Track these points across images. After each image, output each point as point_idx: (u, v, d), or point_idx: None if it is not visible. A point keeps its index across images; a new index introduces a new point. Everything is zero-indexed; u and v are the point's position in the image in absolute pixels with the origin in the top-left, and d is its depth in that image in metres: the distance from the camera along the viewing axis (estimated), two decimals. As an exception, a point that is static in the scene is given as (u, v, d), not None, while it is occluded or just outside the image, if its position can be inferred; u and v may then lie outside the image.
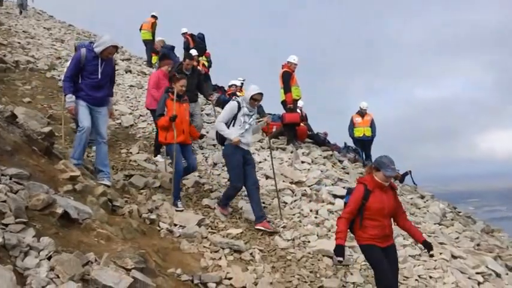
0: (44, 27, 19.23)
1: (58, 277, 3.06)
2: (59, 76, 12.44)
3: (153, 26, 16.82)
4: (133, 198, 6.44)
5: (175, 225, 5.99)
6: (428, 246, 4.99)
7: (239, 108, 6.51)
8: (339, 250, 4.74)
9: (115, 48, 6.24)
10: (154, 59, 16.89)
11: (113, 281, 3.19)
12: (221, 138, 6.73)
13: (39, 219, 3.76)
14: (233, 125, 6.56)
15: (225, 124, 6.55)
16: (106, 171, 6.21)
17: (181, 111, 6.83)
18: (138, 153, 8.66)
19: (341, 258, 4.75)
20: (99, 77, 6.11)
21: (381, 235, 4.83)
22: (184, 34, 16.36)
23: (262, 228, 6.50)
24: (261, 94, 6.59)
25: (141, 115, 11.16)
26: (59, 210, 3.95)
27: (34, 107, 9.53)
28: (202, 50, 16.24)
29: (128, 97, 12.81)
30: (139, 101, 12.38)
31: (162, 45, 15.14)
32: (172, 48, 14.24)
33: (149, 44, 16.78)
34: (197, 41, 15.94)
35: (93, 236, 4.04)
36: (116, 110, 11.12)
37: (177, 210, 6.42)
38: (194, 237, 5.84)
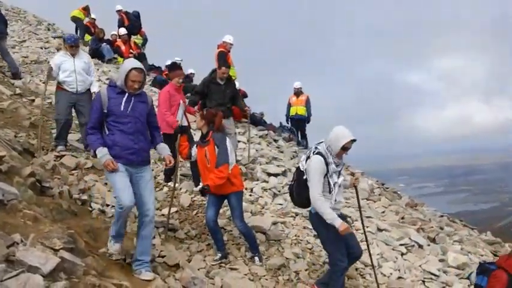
0: (-32, 3, 18.01)
1: (-19, 258, 3.00)
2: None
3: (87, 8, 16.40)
4: (64, 179, 6.32)
5: (108, 205, 5.95)
6: None
7: (326, 165, 4.60)
8: None
9: (140, 71, 4.40)
10: (87, 37, 16.41)
11: (39, 262, 3.15)
12: (301, 195, 4.79)
13: (-40, 200, 3.65)
14: (325, 192, 4.68)
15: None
16: (145, 260, 4.54)
17: (202, 156, 5.49)
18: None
19: None
20: (134, 118, 4.44)
21: None
22: (118, 12, 15.93)
23: None
24: (354, 141, 4.65)
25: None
26: (-18, 192, 3.84)
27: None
28: (137, 28, 15.91)
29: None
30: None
31: None
32: None
33: (79, 22, 16.27)
34: (132, 19, 15.58)
35: (19, 217, 3.94)
36: (46, 90, 10.71)
37: (216, 260, 5.58)
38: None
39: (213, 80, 7.73)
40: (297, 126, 13.38)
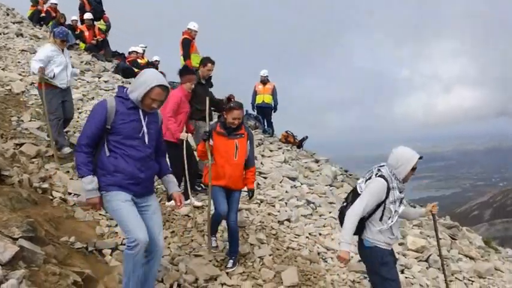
0: None
1: None
2: None
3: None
4: (24, 168, 6.19)
5: (70, 193, 5.86)
6: None
7: (387, 191, 4.03)
8: None
9: (164, 89, 3.56)
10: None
11: (-2, 250, 3.13)
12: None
13: None
14: (376, 219, 4.09)
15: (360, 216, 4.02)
16: None
17: (228, 149, 5.26)
18: (30, 121, 8.23)
19: None
20: (146, 141, 3.63)
21: None
22: (79, -4, 15.59)
23: None
24: (420, 159, 4.22)
25: (33, 82, 10.51)
26: None
27: None
28: (99, 13, 15.57)
29: (19, 62, 12.01)
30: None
31: None
32: None
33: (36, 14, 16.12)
34: (93, 4, 15.22)
35: (-24, 206, 3.88)
36: (5, 77, 10.42)
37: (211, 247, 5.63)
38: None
39: (198, 81, 6.92)
40: (263, 114, 13.45)
